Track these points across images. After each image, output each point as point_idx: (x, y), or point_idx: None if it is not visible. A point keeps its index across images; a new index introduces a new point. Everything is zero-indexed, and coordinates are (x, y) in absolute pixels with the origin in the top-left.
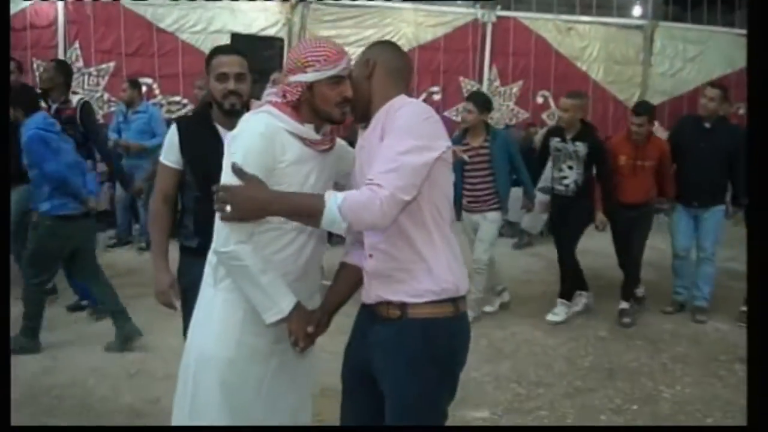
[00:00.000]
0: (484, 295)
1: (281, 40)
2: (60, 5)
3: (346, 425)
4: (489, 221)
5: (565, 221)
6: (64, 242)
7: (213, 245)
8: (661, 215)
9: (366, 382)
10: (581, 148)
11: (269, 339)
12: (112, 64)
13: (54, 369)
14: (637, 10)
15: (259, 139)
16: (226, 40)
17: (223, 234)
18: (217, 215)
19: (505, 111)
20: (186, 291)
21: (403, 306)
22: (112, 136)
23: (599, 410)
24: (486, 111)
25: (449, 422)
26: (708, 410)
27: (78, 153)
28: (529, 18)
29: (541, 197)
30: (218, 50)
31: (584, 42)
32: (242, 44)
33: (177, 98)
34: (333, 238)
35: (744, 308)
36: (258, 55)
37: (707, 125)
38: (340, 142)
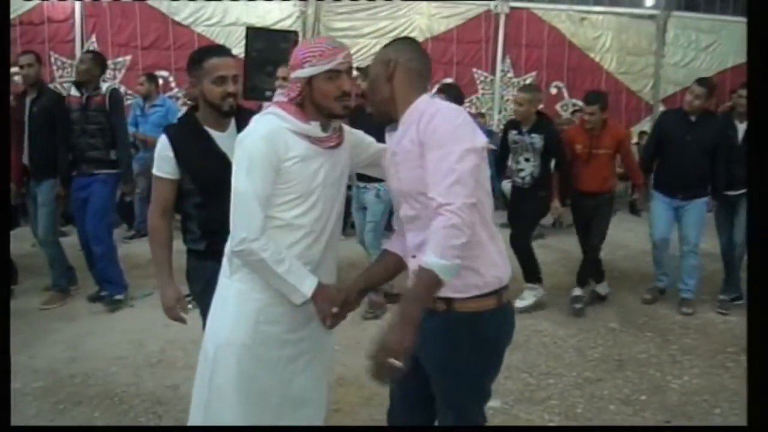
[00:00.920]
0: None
1: (296, 33)
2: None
3: (391, 410)
4: None
5: (521, 212)
6: None
7: (228, 245)
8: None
9: (413, 366)
10: (537, 140)
11: (283, 328)
12: (128, 58)
13: (77, 358)
14: (649, 0)
15: (262, 142)
16: (241, 32)
17: (236, 235)
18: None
19: None
20: (200, 295)
21: (449, 301)
22: (130, 129)
23: (608, 400)
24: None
25: None
26: (715, 401)
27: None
28: (542, 9)
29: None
30: (210, 52)
31: (597, 32)
32: (258, 37)
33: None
34: (346, 229)
35: (722, 296)
36: (275, 48)
37: (693, 118)
38: (353, 131)
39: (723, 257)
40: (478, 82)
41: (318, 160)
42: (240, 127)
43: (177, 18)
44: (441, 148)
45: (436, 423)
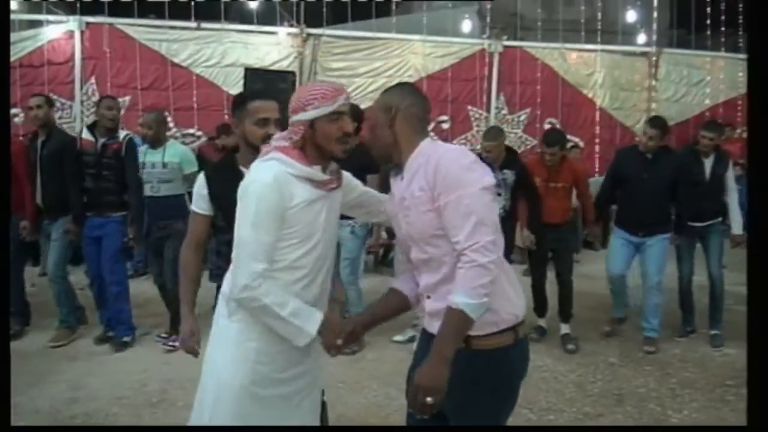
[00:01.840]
0: None
1: (293, 73)
2: (77, 43)
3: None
4: None
5: None
6: None
7: (226, 287)
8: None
9: None
10: (509, 175)
11: (278, 366)
12: (127, 98)
13: (78, 399)
14: (641, 37)
15: (268, 191)
16: (239, 73)
17: (238, 282)
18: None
19: (514, 139)
20: None
21: (467, 339)
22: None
23: None
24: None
25: None
26: None
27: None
28: (535, 47)
29: None
30: (254, 95)
31: (590, 69)
32: (256, 78)
33: (191, 130)
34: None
35: (714, 332)
36: (273, 88)
37: (649, 156)
38: (342, 173)
39: (680, 289)
40: (473, 119)
41: (319, 203)
42: None
43: (176, 59)
44: (455, 191)
45: None
